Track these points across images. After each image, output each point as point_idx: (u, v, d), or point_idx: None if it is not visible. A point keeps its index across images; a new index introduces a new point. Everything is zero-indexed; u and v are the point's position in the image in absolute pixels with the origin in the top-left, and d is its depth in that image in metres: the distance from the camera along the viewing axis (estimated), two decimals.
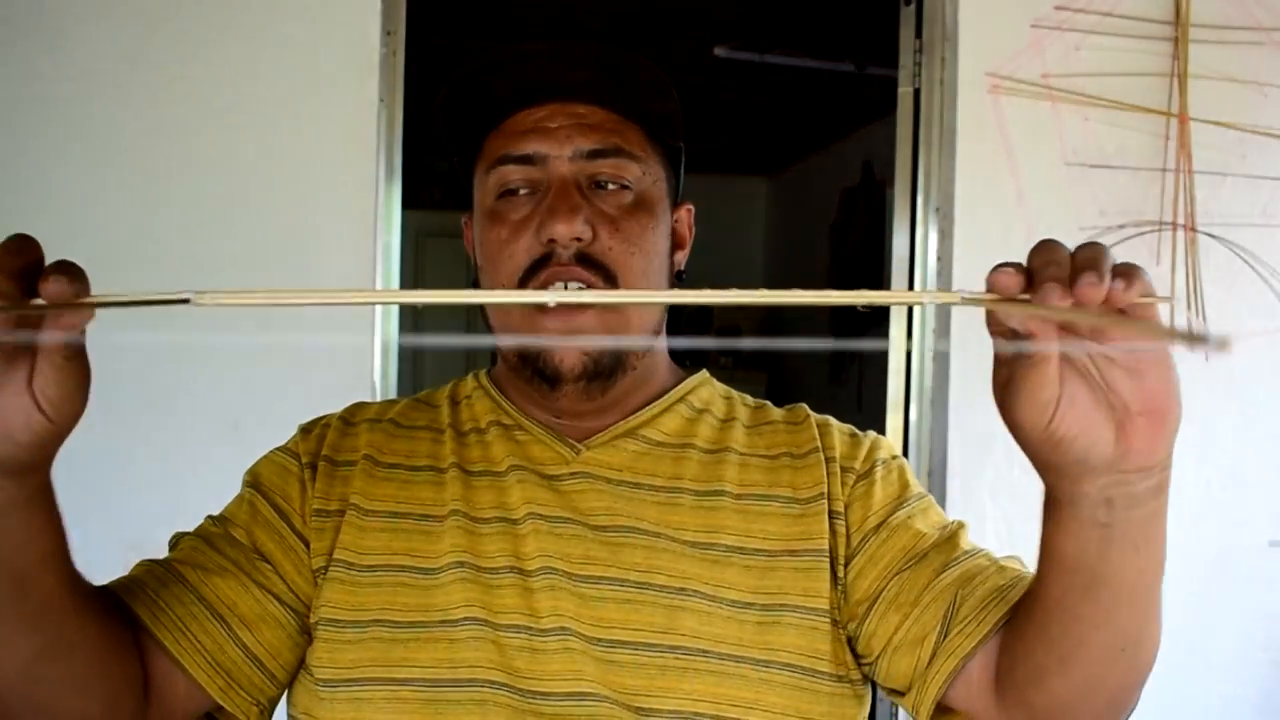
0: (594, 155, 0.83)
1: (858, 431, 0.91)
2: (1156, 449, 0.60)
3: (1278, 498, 2.12)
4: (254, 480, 0.87)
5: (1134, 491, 0.60)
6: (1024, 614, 0.71)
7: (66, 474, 2.05)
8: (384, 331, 1.91)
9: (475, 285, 0.88)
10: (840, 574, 0.82)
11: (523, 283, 0.81)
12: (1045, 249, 0.55)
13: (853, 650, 0.81)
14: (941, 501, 2.02)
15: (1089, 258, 0.53)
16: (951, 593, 0.77)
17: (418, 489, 0.85)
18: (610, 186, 0.83)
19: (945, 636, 0.76)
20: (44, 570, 0.65)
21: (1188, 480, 2.08)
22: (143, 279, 1.81)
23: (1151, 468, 0.60)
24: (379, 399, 1.88)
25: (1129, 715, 0.71)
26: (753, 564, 0.81)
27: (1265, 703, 2.12)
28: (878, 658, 0.79)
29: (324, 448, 0.87)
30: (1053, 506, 0.64)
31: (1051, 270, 0.53)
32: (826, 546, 0.81)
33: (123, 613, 0.77)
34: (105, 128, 1.82)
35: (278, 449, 0.89)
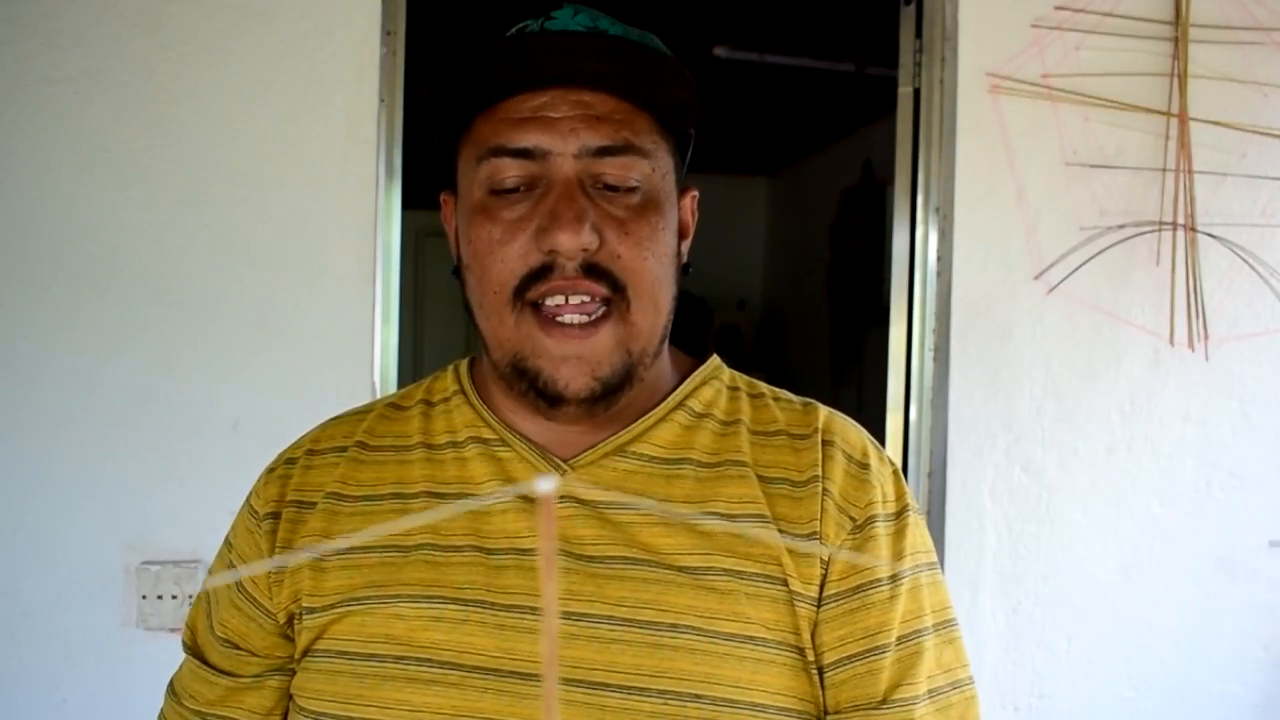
0: (602, 152, 0.75)
1: (870, 458, 0.81)
2: None
3: (1278, 498, 2.11)
4: (230, 548, 0.86)
5: None
6: None
7: (67, 474, 2.06)
8: (384, 333, 1.91)
9: (456, 274, 0.82)
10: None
11: (519, 292, 0.74)
12: None
13: None
14: (941, 501, 2.02)
15: None
16: None
17: (380, 519, 0.79)
18: (619, 188, 0.75)
19: None
20: None
21: (1188, 480, 2.08)
22: (142, 278, 1.81)
23: None
24: (377, 398, 1.87)
25: None
26: (752, 591, 0.74)
27: (1266, 703, 2.12)
28: None
29: (288, 491, 0.82)
30: None
31: None
32: (817, 595, 0.75)
33: None
34: (105, 128, 1.82)
35: (247, 502, 0.86)
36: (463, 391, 0.84)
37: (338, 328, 1.87)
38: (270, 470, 0.85)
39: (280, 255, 1.86)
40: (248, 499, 0.86)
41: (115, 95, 1.82)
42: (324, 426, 0.87)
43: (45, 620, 1.79)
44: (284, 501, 0.82)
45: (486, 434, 0.81)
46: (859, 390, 4.25)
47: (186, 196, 1.83)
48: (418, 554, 0.77)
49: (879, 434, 2.10)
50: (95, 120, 1.81)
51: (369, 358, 1.89)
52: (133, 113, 1.82)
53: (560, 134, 0.74)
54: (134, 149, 1.82)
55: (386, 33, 1.89)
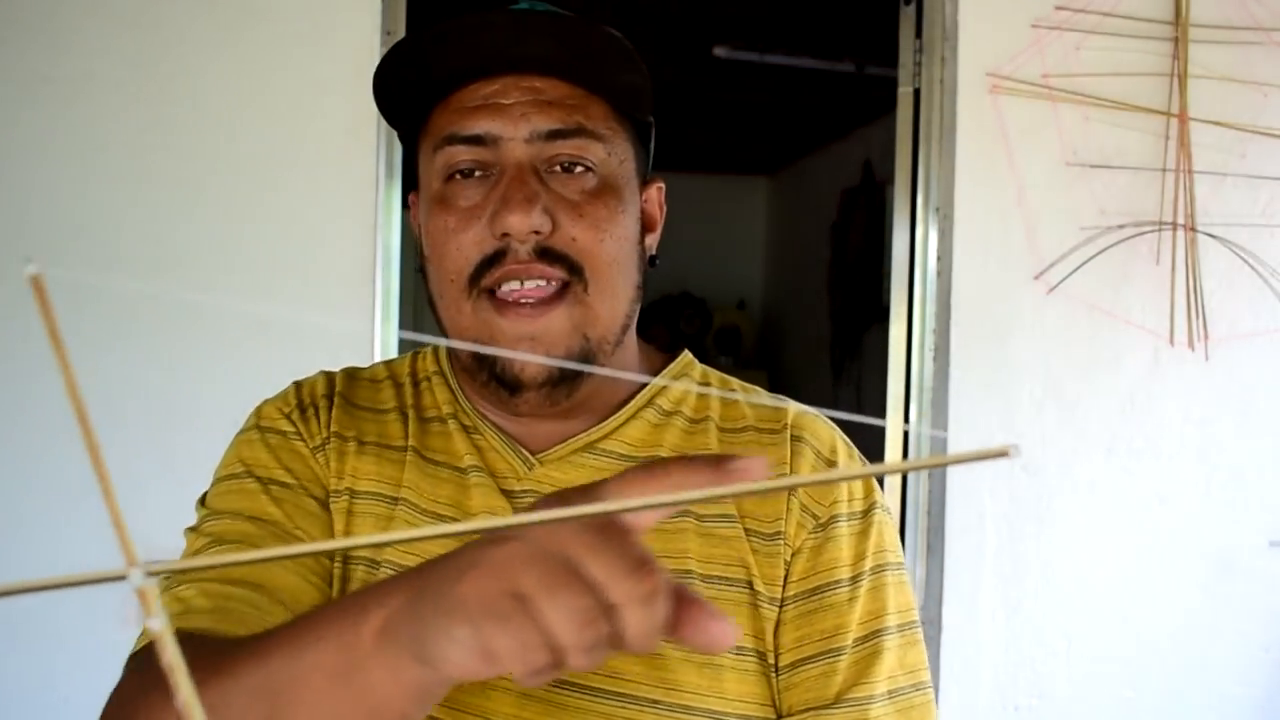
0: (553, 136, 0.74)
1: (838, 455, 0.80)
2: None
3: (1278, 498, 2.11)
4: (265, 474, 0.80)
5: None
6: None
7: (67, 474, 2.05)
8: (384, 332, 1.91)
9: (422, 272, 0.82)
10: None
11: (474, 279, 0.74)
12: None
13: None
14: (941, 501, 2.02)
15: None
16: None
17: (378, 462, 0.80)
18: (574, 169, 0.75)
19: None
20: None
21: (1188, 480, 2.08)
22: (140, 278, 1.81)
23: None
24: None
25: None
26: (714, 595, 0.73)
27: (1268, 703, 2.12)
28: None
29: (333, 424, 0.82)
30: None
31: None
32: (779, 596, 0.74)
33: None
34: (105, 129, 1.82)
35: (269, 430, 0.83)
36: (442, 373, 0.85)
37: (338, 328, 1.87)
38: (303, 410, 0.84)
39: (280, 255, 1.86)
40: (259, 434, 0.84)
41: (114, 95, 1.82)
42: (299, 384, 0.88)
43: (45, 620, 1.79)
44: (330, 433, 0.82)
45: (464, 419, 0.82)
46: (859, 390, 4.25)
47: (186, 196, 1.83)
48: (402, 510, 0.77)
49: (878, 434, 2.10)
50: (94, 120, 1.81)
51: (369, 358, 1.89)
52: (131, 112, 1.82)
53: (511, 119, 0.74)
54: (133, 149, 1.82)
55: (386, 33, 1.89)
